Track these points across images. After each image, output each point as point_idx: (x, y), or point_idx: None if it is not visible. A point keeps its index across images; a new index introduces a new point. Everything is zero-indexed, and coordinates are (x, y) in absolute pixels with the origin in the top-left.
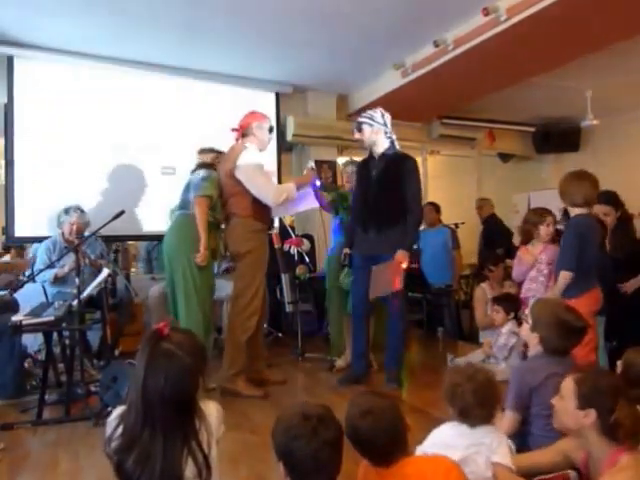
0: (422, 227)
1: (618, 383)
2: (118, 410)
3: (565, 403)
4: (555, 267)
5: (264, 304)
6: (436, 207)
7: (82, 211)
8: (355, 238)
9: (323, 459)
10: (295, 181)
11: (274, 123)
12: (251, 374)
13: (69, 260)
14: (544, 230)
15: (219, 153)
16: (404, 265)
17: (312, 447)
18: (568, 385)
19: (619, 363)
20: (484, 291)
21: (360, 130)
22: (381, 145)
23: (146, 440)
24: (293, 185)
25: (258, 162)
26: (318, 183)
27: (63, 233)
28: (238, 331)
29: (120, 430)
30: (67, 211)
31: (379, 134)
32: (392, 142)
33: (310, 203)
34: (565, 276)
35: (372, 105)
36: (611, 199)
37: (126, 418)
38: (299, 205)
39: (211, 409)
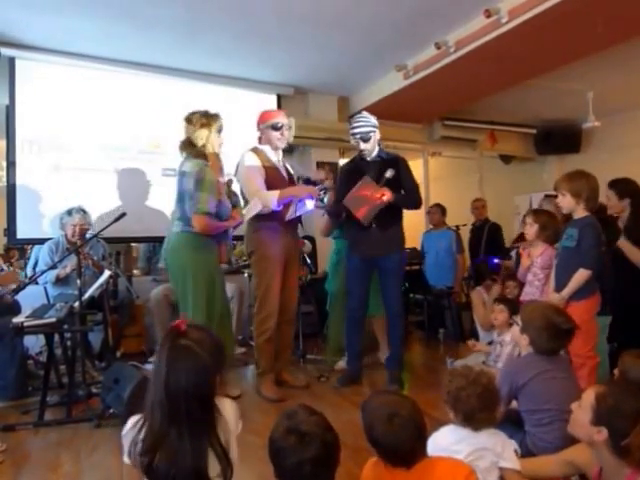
0: (428, 227)
1: None
2: (132, 420)
3: (581, 414)
4: (563, 267)
5: (290, 305)
6: (442, 209)
7: (84, 212)
8: (352, 239)
9: (305, 474)
10: (288, 190)
11: None
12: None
13: (71, 261)
14: (527, 230)
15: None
16: (385, 198)
17: (293, 461)
18: (588, 396)
19: (616, 371)
20: (480, 294)
21: (368, 140)
22: (376, 147)
23: (174, 438)
24: (273, 194)
25: (248, 165)
26: (310, 206)
27: (66, 234)
28: (255, 333)
29: (144, 433)
30: (69, 212)
31: (377, 137)
32: (379, 142)
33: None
34: (584, 275)
35: (373, 107)
36: (621, 187)
37: (150, 419)
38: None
39: (227, 406)
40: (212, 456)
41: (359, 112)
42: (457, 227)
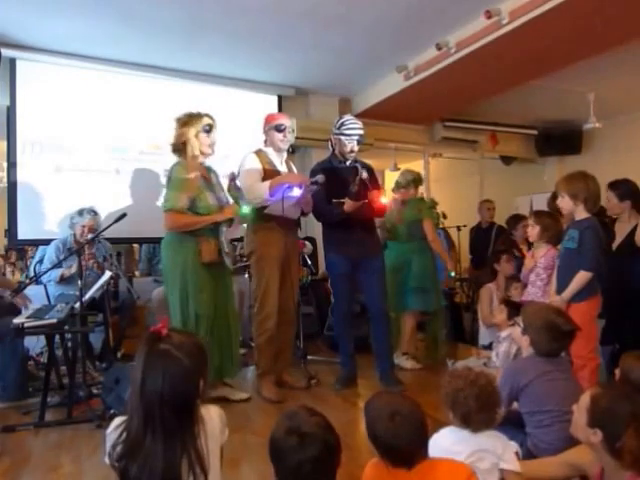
0: None
1: (637, 409)
2: (116, 421)
3: (579, 415)
4: (565, 268)
5: (290, 306)
6: None
7: (95, 213)
8: (337, 240)
9: (305, 475)
10: (281, 177)
11: None
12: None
13: (76, 262)
14: (529, 231)
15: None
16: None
17: (293, 461)
18: (585, 399)
19: (617, 371)
20: (490, 290)
21: (360, 143)
22: None
23: (149, 444)
24: (265, 184)
25: (248, 167)
26: (297, 193)
27: (75, 234)
28: (255, 334)
29: (123, 437)
30: (80, 213)
31: None
32: None
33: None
34: (584, 276)
35: (375, 108)
36: (622, 189)
37: (128, 423)
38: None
39: (212, 414)
40: (187, 465)
41: (343, 116)
42: (458, 228)
